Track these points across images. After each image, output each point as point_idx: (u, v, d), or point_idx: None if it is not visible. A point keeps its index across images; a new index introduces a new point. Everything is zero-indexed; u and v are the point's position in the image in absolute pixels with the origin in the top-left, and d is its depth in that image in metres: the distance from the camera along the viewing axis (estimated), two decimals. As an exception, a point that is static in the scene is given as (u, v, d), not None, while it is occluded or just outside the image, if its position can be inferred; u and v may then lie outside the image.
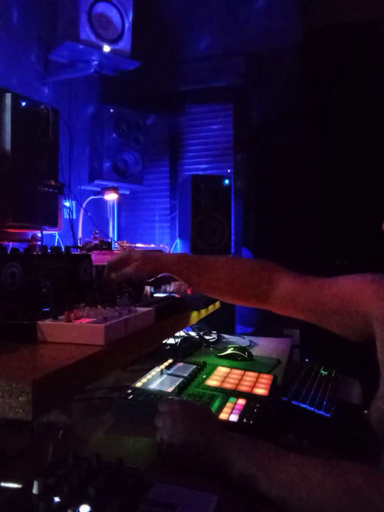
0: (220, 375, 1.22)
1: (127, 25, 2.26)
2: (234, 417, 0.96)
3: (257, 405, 1.01)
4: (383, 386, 0.77)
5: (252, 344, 1.76)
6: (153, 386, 1.10)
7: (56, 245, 2.07)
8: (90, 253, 1.29)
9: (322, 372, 1.37)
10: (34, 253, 1.07)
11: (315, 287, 0.95)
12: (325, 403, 1.08)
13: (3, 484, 0.70)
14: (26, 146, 1.68)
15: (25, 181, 1.67)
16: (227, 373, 1.25)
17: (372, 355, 0.80)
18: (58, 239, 2.13)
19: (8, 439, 0.86)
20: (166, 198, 2.97)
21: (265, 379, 1.21)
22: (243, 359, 1.47)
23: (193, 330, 1.74)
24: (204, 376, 1.20)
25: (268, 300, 1.02)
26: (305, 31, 2.76)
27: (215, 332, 1.82)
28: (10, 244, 1.70)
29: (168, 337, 1.52)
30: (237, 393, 1.09)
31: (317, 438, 0.94)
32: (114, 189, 2.45)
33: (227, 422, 0.94)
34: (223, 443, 0.76)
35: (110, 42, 2.20)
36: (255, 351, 1.59)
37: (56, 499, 0.58)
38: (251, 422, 0.94)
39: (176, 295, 1.26)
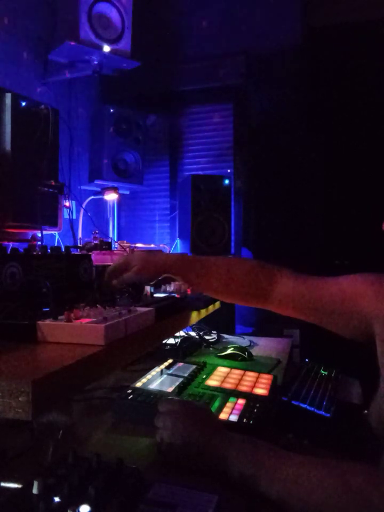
0: (220, 375, 1.22)
1: (127, 25, 2.26)
2: (234, 417, 0.96)
3: (257, 405, 1.01)
4: (383, 386, 0.77)
5: (251, 344, 1.76)
6: (153, 386, 1.10)
7: (56, 245, 2.07)
8: (90, 253, 1.29)
9: (322, 371, 1.37)
10: (34, 253, 1.07)
11: (315, 287, 0.95)
12: (325, 403, 1.08)
13: (3, 484, 0.70)
14: (26, 146, 1.68)
15: (25, 181, 1.67)
16: (227, 373, 1.25)
17: (372, 355, 0.80)
18: (58, 239, 2.13)
19: (8, 439, 0.86)
20: (166, 198, 2.97)
21: (265, 379, 1.21)
22: (243, 359, 1.47)
23: (193, 330, 1.74)
24: (204, 376, 1.20)
25: (268, 300, 1.02)
26: (305, 31, 2.76)
27: (215, 331, 1.82)
28: (10, 244, 1.70)
29: (168, 337, 1.52)
30: (237, 393, 1.09)
31: (317, 438, 0.94)
32: (114, 189, 2.45)
33: (227, 422, 0.94)
34: (223, 443, 0.76)
35: (110, 42, 2.20)
36: (255, 351, 1.59)
37: (56, 499, 0.58)
38: (251, 422, 0.94)
39: (176, 295, 1.26)
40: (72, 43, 2.11)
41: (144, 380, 1.13)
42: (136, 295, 1.12)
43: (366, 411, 0.90)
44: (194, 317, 1.30)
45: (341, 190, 2.85)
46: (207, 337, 1.74)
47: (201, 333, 1.72)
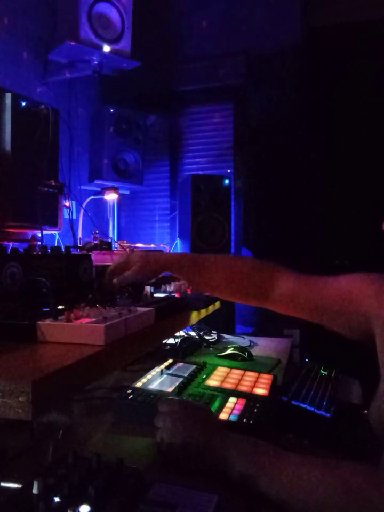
0: (220, 375, 1.22)
1: (127, 25, 2.26)
2: (234, 417, 0.96)
3: (257, 405, 1.01)
4: (383, 386, 0.77)
5: (251, 344, 1.76)
6: (153, 386, 1.10)
7: (56, 245, 2.07)
8: (90, 253, 1.29)
9: (322, 372, 1.37)
10: (34, 253, 1.07)
11: (315, 286, 0.95)
12: (325, 403, 1.08)
13: (3, 484, 0.70)
14: (26, 146, 1.68)
15: (25, 181, 1.67)
16: (227, 373, 1.25)
17: (372, 355, 0.80)
18: (58, 239, 2.13)
19: (8, 439, 0.86)
20: (166, 198, 2.97)
21: (265, 379, 1.21)
22: (243, 359, 1.47)
23: (193, 330, 1.74)
24: (204, 376, 1.20)
25: (268, 298, 1.02)
26: (305, 31, 2.76)
27: (215, 331, 1.82)
28: (10, 244, 1.70)
29: (168, 337, 1.52)
30: (237, 393, 1.09)
31: (317, 438, 0.94)
32: (114, 189, 2.45)
33: (227, 422, 0.94)
34: (223, 443, 0.76)
35: (110, 42, 2.20)
36: (255, 351, 1.59)
37: (56, 499, 0.58)
38: (251, 422, 0.94)
39: (176, 295, 1.27)
40: (72, 43, 2.11)
41: (144, 380, 1.13)
42: (136, 295, 1.12)
43: (366, 411, 0.90)
44: (194, 317, 1.30)
45: (341, 190, 2.85)
46: (207, 337, 1.74)
47: (201, 333, 1.72)
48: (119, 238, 2.81)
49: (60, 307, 0.86)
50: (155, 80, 2.79)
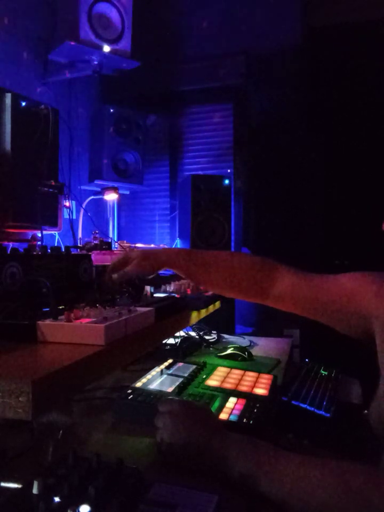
0: (220, 375, 1.22)
1: (127, 25, 2.26)
2: (234, 417, 0.96)
3: (257, 405, 1.01)
4: (383, 386, 0.77)
5: (251, 344, 1.76)
6: (153, 386, 1.10)
7: (56, 245, 2.07)
8: (90, 253, 1.29)
9: (322, 371, 1.37)
10: (34, 253, 1.07)
11: (315, 284, 0.94)
12: (325, 403, 1.08)
13: (3, 484, 0.70)
14: (26, 146, 1.68)
15: (25, 181, 1.67)
16: (227, 373, 1.25)
17: (372, 355, 0.80)
18: (58, 239, 2.13)
19: (8, 439, 0.86)
20: (166, 198, 2.97)
21: (265, 379, 1.21)
22: (243, 359, 1.47)
23: (193, 330, 1.74)
24: (204, 376, 1.20)
25: (268, 295, 1.02)
26: (305, 31, 2.76)
27: (215, 331, 1.82)
28: (10, 244, 1.70)
29: (168, 337, 1.52)
30: (237, 393, 1.09)
31: (317, 438, 0.94)
32: (114, 189, 2.45)
33: (227, 422, 0.94)
34: (223, 443, 0.76)
35: (110, 42, 2.20)
36: (255, 351, 1.59)
37: (56, 499, 0.58)
38: (251, 422, 0.94)
39: (176, 295, 1.26)
40: (72, 43, 2.11)
41: (144, 380, 1.13)
42: (136, 295, 1.11)
43: (366, 411, 0.90)
44: (194, 317, 1.29)
45: (341, 190, 2.85)
46: (207, 337, 1.74)
47: (201, 333, 1.72)
48: (119, 238, 2.81)
49: (60, 307, 0.86)
50: (155, 80, 2.79)
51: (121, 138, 2.55)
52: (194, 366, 1.28)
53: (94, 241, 1.85)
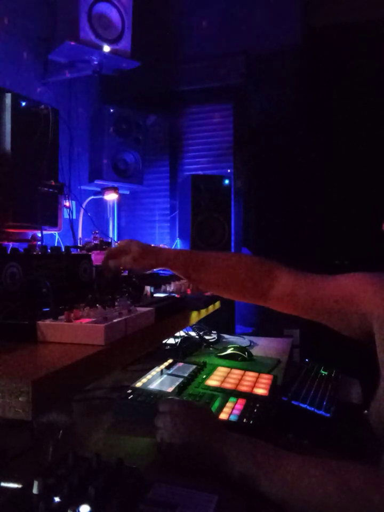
0: (220, 375, 1.22)
1: (127, 25, 2.26)
2: (234, 417, 0.96)
3: (257, 405, 1.01)
4: (383, 386, 0.77)
5: (251, 344, 1.76)
6: (153, 386, 1.10)
7: (56, 245, 2.07)
8: (90, 253, 1.29)
9: (322, 371, 1.37)
10: (34, 253, 1.07)
11: (315, 284, 0.94)
12: (325, 403, 1.08)
13: (3, 484, 0.70)
14: (26, 146, 1.68)
15: (25, 181, 1.67)
16: (227, 373, 1.25)
17: (372, 355, 0.80)
18: (58, 239, 2.13)
19: (8, 439, 0.86)
20: (166, 198, 2.97)
21: (265, 379, 1.21)
22: (243, 359, 1.47)
23: (193, 330, 1.74)
24: (204, 376, 1.20)
25: (267, 296, 1.01)
26: (305, 31, 2.76)
27: (215, 331, 1.81)
28: (10, 244, 1.70)
29: (168, 337, 1.52)
30: (237, 393, 1.09)
31: (317, 438, 0.94)
32: (114, 189, 2.45)
33: (227, 422, 0.94)
34: (223, 443, 0.76)
35: (110, 42, 2.20)
36: (255, 351, 1.59)
37: (56, 499, 0.58)
38: (251, 422, 0.94)
39: (176, 295, 1.26)
40: (72, 43, 2.11)
41: (144, 380, 1.13)
42: (136, 295, 1.11)
43: (366, 411, 0.90)
44: (194, 317, 1.29)
45: (341, 190, 2.85)
46: (207, 337, 1.74)
47: (201, 333, 1.72)
48: (119, 238, 2.81)
49: (59, 307, 0.86)
50: (155, 80, 2.79)
51: (121, 138, 2.55)
52: (194, 366, 1.28)
53: (94, 241, 1.85)
